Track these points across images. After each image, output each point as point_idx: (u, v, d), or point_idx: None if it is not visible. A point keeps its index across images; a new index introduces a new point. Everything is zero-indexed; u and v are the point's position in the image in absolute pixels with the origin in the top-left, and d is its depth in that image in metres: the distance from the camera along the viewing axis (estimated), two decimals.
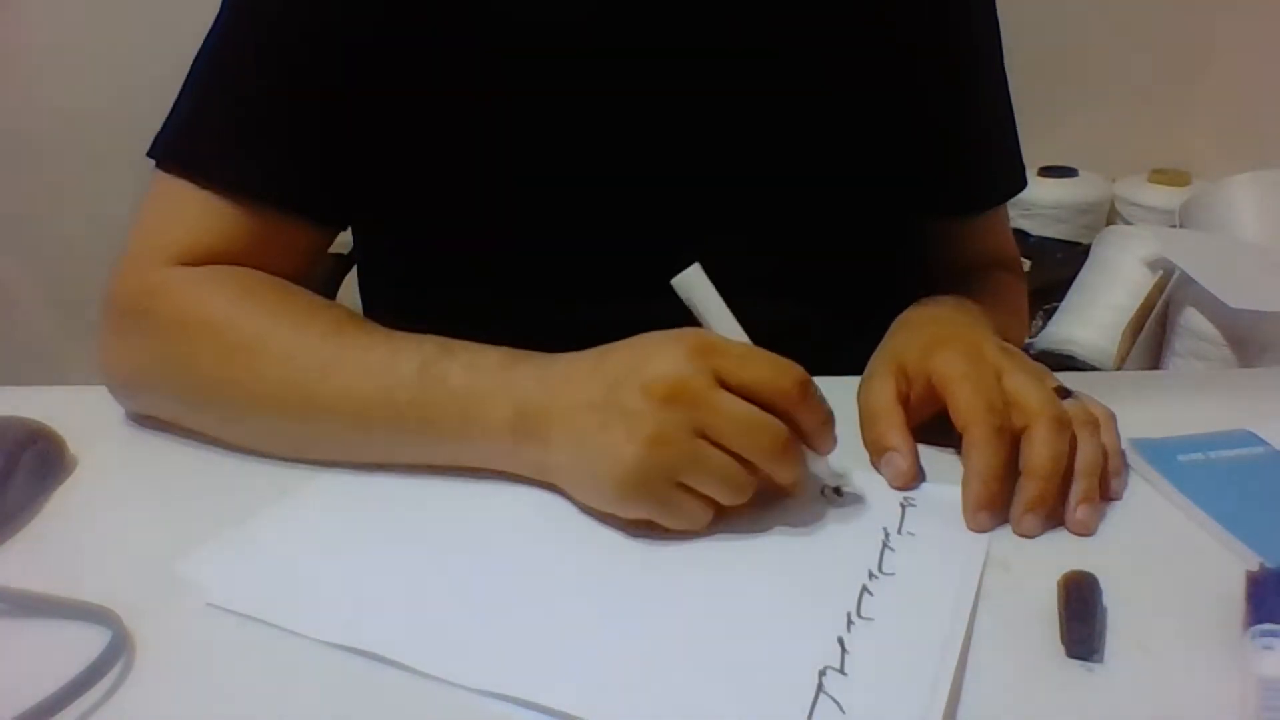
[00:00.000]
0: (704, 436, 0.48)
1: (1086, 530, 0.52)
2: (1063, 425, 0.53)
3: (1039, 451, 0.52)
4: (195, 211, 0.62)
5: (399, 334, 0.57)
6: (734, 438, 0.49)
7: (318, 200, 0.65)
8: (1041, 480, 0.52)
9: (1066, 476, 0.53)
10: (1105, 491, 0.55)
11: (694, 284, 0.52)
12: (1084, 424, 0.54)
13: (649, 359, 0.50)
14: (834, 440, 0.52)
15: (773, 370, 0.50)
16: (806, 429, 0.51)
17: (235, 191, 0.62)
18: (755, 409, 0.49)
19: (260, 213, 0.62)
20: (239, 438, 0.58)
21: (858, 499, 0.54)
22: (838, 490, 0.54)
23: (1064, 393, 0.56)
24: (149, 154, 0.63)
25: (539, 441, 0.52)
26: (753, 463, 0.49)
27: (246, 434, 0.58)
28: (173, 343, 0.59)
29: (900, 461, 0.56)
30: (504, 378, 0.53)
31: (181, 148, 0.63)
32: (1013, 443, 0.53)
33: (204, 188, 0.62)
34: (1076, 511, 0.52)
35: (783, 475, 0.51)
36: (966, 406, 0.54)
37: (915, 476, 0.56)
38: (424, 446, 0.55)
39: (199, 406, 0.59)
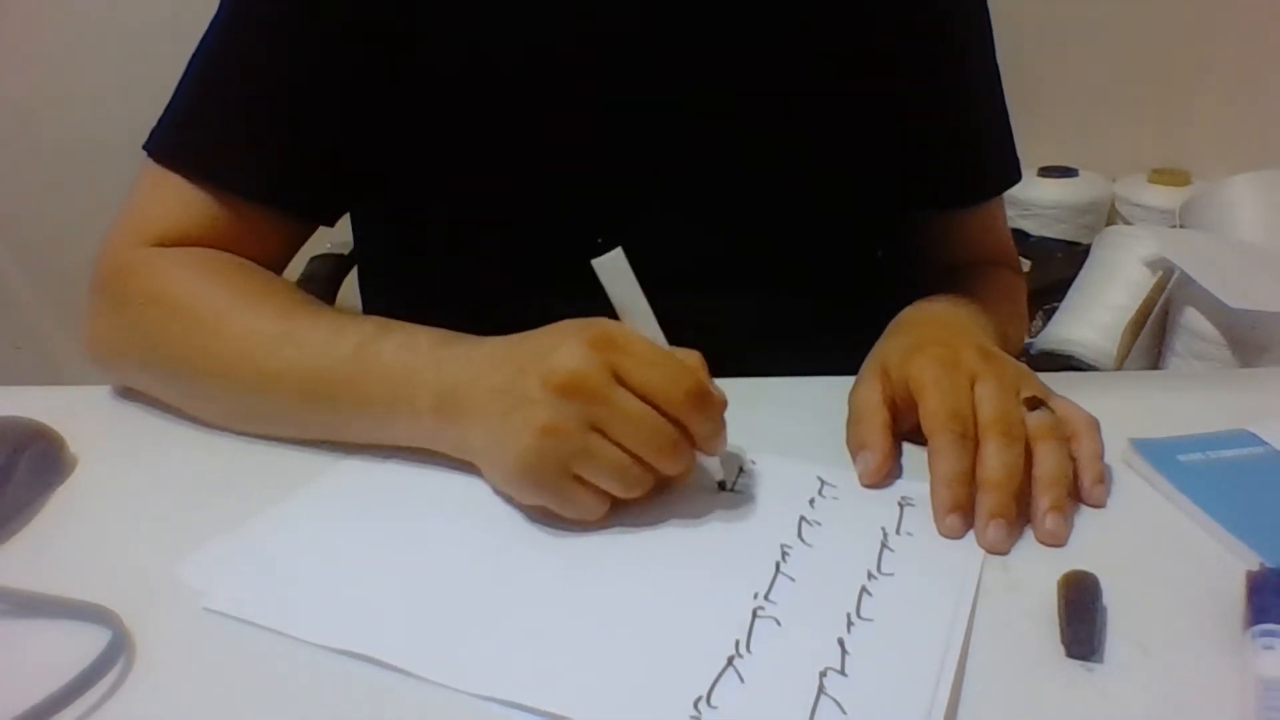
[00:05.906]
0: (598, 430, 0.49)
1: (1057, 540, 0.52)
2: (1012, 437, 0.53)
3: (987, 463, 0.53)
4: (175, 198, 0.64)
5: (346, 314, 0.60)
6: (624, 434, 0.49)
7: (293, 196, 0.67)
8: (993, 491, 0.52)
9: (1029, 488, 0.53)
10: (1086, 499, 0.55)
11: (613, 270, 0.51)
12: (1047, 436, 0.54)
13: (553, 349, 0.50)
14: (721, 445, 0.53)
15: (667, 377, 0.50)
16: (695, 434, 0.51)
17: (213, 184, 0.64)
18: (646, 409, 0.50)
19: (236, 204, 0.65)
20: (199, 410, 0.61)
21: (748, 497, 0.55)
22: (724, 485, 0.55)
23: (1035, 403, 0.55)
24: (144, 147, 0.65)
25: (457, 423, 0.53)
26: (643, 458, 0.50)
27: (205, 407, 0.60)
28: (140, 317, 0.61)
29: (870, 459, 0.56)
30: (434, 356, 0.55)
31: (168, 140, 0.65)
32: (976, 450, 0.53)
33: (184, 177, 0.64)
34: (1045, 521, 0.52)
35: (668, 470, 0.52)
36: (931, 414, 0.55)
37: (885, 475, 0.56)
38: (359, 423, 0.57)
39: (163, 379, 0.62)
